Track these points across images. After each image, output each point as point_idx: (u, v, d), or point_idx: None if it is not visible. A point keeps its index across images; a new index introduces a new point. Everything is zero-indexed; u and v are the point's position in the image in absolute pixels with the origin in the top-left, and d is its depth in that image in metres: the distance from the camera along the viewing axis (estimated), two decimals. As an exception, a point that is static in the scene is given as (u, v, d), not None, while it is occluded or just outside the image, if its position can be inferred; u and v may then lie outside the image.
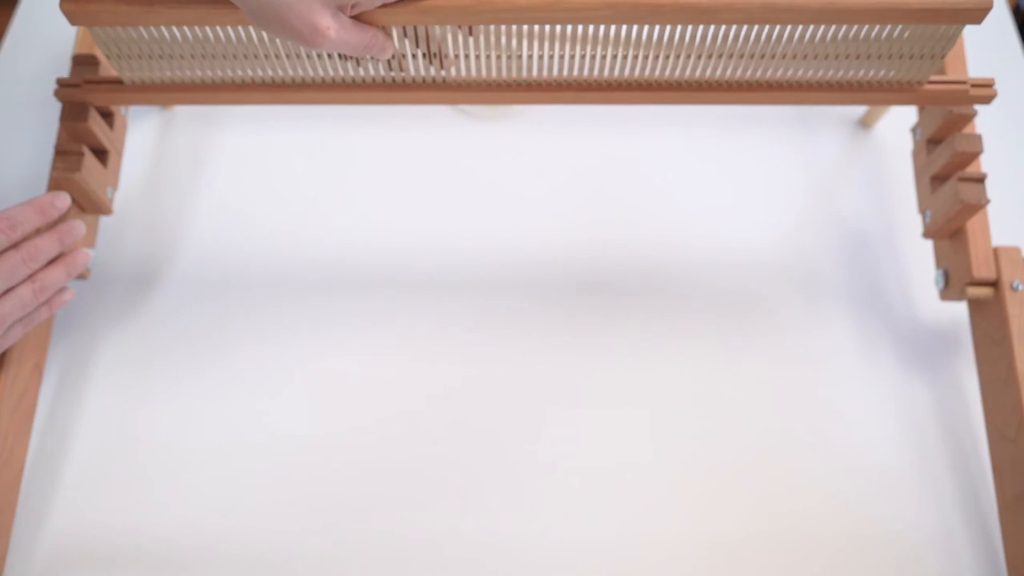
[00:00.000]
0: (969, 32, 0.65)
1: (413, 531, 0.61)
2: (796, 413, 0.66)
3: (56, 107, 0.68)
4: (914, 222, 0.72)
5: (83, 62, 0.60)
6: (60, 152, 0.60)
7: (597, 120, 0.78)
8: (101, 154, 0.63)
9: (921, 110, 0.68)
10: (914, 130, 0.68)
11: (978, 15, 0.51)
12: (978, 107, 0.63)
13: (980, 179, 0.61)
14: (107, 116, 0.64)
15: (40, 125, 0.75)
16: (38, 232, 0.55)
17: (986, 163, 0.64)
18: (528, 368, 0.67)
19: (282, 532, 0.61)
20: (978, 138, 0.62)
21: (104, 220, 0.70)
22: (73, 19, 0.51)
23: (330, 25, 0.46)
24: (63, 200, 0.56)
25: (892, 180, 0.76)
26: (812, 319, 0.70)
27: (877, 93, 0.60)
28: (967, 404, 0.66)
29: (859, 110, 0.78)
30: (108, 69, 0.63)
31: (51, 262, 0.56)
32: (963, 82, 0.60)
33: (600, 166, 0.76)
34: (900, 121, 0.75)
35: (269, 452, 0.63)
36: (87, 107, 0.60)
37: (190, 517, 0.61)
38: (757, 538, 0.61)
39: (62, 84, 0.60)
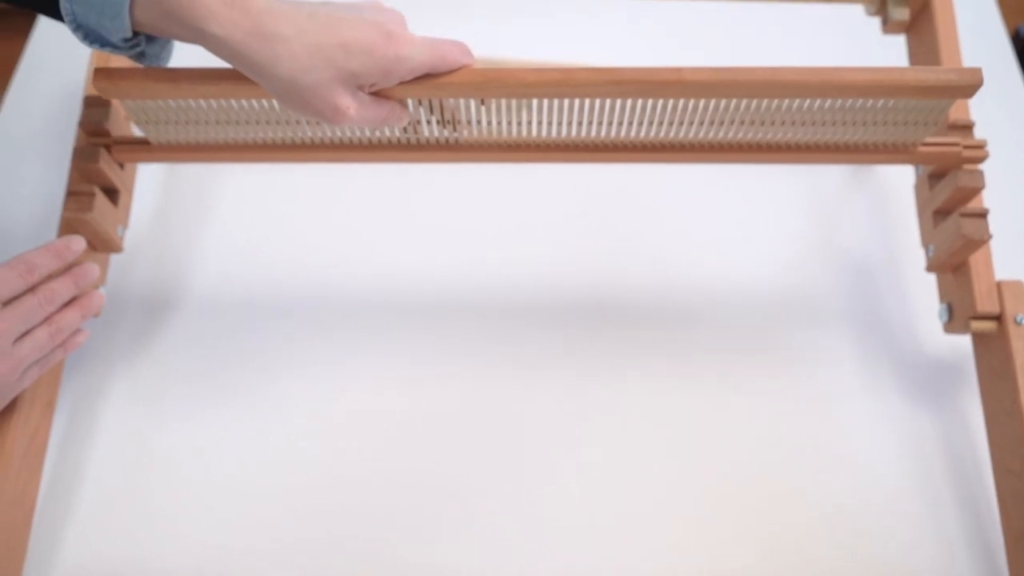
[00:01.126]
0: (969, 62, 0.66)
1: (424, 559, 0.61)
2: (799, 446, 0.66)
3: (68, 139, 0.69)
4: (917, 252, 0.73)
5: (95, 103, 0.61)
6: (72, 193, 0.60)
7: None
8: (112, 193, 0.64)
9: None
10: (916, 165, 0.68)
11: (968, 91, 0.53)
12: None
13: (982, 214, 0.62)
14: (118, 156, 0.64)
15: (51, 157, 0.76)
16: (52, 275, 0.56)
17: (988, 197, 0.64)
18: (532, 398, 0.67)
19: (295, 567, 0.61)
20: (980, 174, 0.62)
21: (113, 255, 0.71)
22: (105, 94, 0.53)
23: (350, 104, 0.49)
24: (78, 243, 0.57)
25: (895, 211, 0.76)
26: (814, 351, 0.70)
27: (872, 154, 0.62)
28: (972, 437, 0.66)
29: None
30: (120, 109, 0.64)
31: (66, 304, 0.56)
32: (956, 144, 0.62)
33: (604, 197, 0.77)
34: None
35: (280, 485, 0.64)
36: (98, 148, 0.61)
37: (201, 552, 0.61)
38: (763, 570, 0.61)
39: (88, 133, 0.61)
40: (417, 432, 0.66)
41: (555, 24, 0.84)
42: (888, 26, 0.72)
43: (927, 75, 0.53)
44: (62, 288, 0.55)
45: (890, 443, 0.66)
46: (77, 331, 0.58)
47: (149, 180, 0.76)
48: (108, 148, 0.62)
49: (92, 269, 0.58)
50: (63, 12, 0.47)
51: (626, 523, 0.63)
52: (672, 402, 0.67)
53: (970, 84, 0.53)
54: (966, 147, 0.62)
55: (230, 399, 0.67)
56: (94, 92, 0.63)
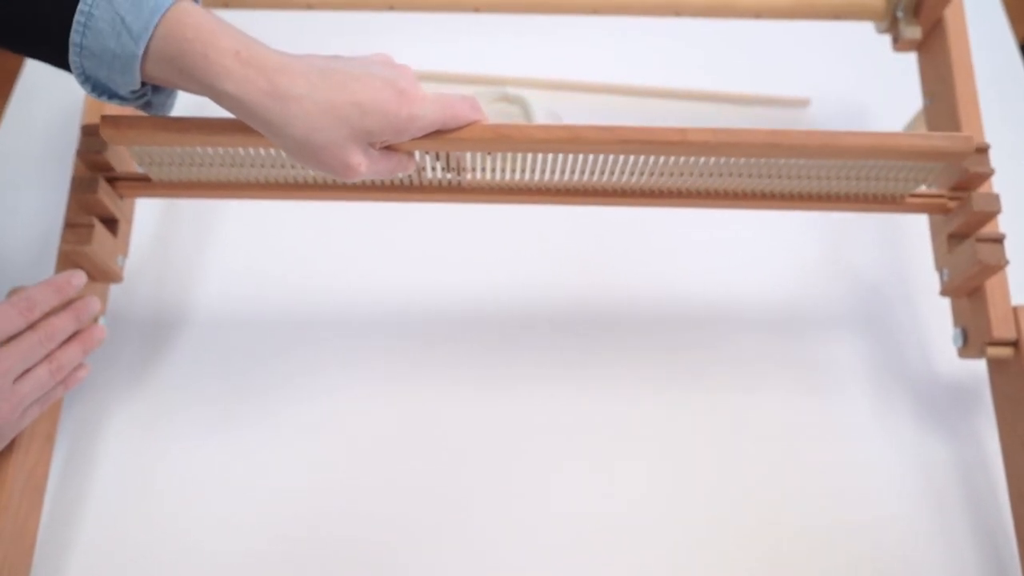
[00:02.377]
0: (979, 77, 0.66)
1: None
2: (811, 471, 0.65)
3: (66, 158, 0.68)
4: (930, 273, 0.71)
5: (92, 132, 0.60)
6: (70, 225, 0.59)
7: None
8: (111, 223, 0.63)
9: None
10: (930, 186, 0.67)
11: (960, 157, 0.55)
12: (995, 164, 0.62)
13: (999, 239, 0.61)
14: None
15: (48, 181, 0.75)
16: (52, 311, 0.55)
17: (1003, 221, 0.63)
18: (533, 414, 0.67)
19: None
20: (996, 197, 0.61)
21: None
22: (112, 141, 0.53)
23: (361, 161, 0.49)
24: (79, 278, 0.56)
25: (906, 232, 0.75)
26: (824, 374, 0.69)
27: (863, 204, 0.63)
28: (988, 463, 0.65)
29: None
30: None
31: (67, 340, 0.56)
32: (941, 196, 0.63)
33: (607, 214, 0.75)
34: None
35: (284, 514, 0.63)
36: (97, 178, 0.60)
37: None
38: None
39: (87, 165, 0.60)
40: (423, 454, 0.65)
41: (553, 43, 0.83)
42: (899, 44, 0.71)
43: (922, 141, 0.54)
44: (63, 324, 0.55)
45: (904, 467, 0.65)
46: (79, 366, 0.57)
47: (148, 207, 0.75)
48: (109, 181, 0.61)
49: (93, 303, 0.57)
50: (72, 66, 0.46)
51: (626, 539, 0.62)
52: (678, 423, 0.67)
53: (963, 151, 0.54)
54: (950, 198, 0.63)
55: (231, 426, 0.66)
56: (92, 120, 0.62)
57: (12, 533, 0.56)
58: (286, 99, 0.46)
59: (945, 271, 0.65)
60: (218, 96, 0.46)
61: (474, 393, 0.68)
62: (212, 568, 0.61)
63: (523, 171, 0.59)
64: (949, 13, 0.68)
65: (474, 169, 0.59)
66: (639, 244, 0.75)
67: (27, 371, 0.53)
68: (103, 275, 0.63)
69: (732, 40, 0.84)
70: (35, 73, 0.83)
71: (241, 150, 0.56)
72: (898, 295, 0.72)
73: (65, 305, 0.56)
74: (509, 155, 0.57)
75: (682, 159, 0.56)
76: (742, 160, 0.56)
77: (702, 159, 0.56)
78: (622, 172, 0.58)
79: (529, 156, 0.57)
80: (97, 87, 0.47)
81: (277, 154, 0.57)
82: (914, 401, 0.68)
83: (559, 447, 0.66)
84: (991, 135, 0.64)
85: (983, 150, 0.61)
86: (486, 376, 0.68)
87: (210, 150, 0.56)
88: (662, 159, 0.56)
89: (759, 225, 0.75)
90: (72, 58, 0.46)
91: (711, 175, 0.59)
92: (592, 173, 0.59)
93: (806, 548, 0.62)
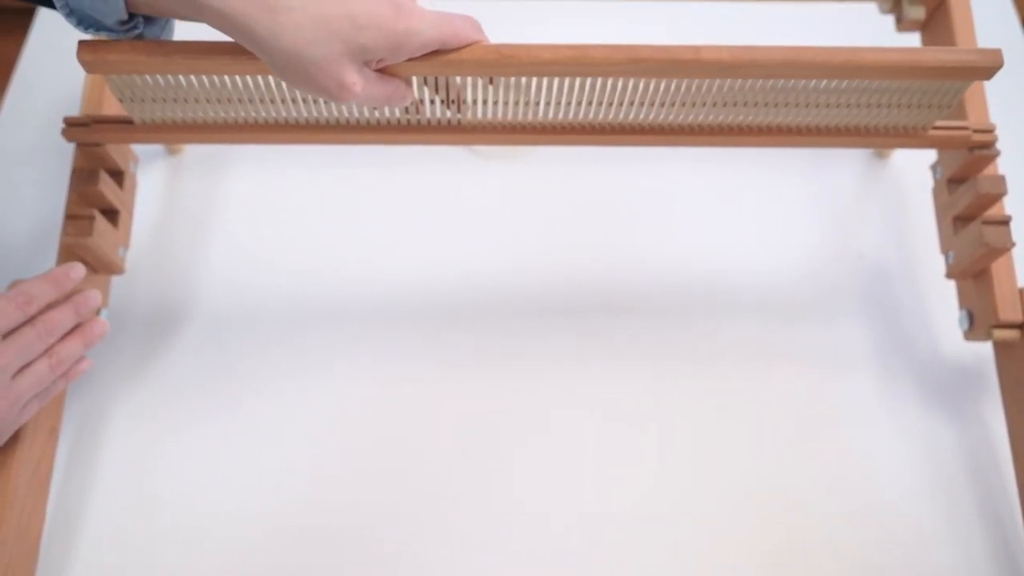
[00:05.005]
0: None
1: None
2: (816, 456, 0.65)
3: (65, 149, 0.67)
4: (934, 256, 0.71)
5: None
6: (71, 217, 0.59)
7: (608, 157, 0.76)
8: (111, 214, 0.62)
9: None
10: (934, 168, 0.67)
11: (988, 72, 0.52)
12: (1000, 145, 0.62)
13: (1005, 221, 0.60)
14: (117, 176, 0.63)
15: (48, 169, 0.75)
16: (51, 304, 0.55)
17: (1009, 203, 0.63)
18: (534, 410, 0.67)
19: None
20: (1002, 179, 0.61)
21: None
22: (91, 68, 0.50)
23: (356, 81, 0.46)
24: (78, 271, 0.55)
25: (910, 212, 0.75)
26: (829, 357, 0.69)
27: (883, 137, 0.61)
28: (995, 445, 0.65)
29: (875, 141, 0.77)
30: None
31: (68, 334, 0.55)
32: (965, 128, 0.61)
33: (612, 200, 0.75)
34: (915, 151, 0.74)
35: (290, 507, 0.63)
36: (97, 170, 0.59)
37: (210, 580, 0.60)
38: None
39: (70, 123, 0.59)
40: (424, 446, 0.65)
41: (556, 26, 0.82)
42: (903, 24, 0.70)
43: (947, 56, 0.52)
44: (62, 318, 0.54)
45: (911, 450, 0.65)
46: (80, 359, 0.57)
47: (148, 192, 0.74)
48: (87, 126, 0.59)
49: (93, 296, 0.56)
50: None
51: (630, 530, 0.62)
52: (683, 408, 0.66)
53: (990, 66, 0.52)
54: (975, 131, 0.61)
55: (236, 419, 0.66)
56: (92, 99, 0.62)
57: (18, 528, 0.56)
58: (275, 10, 0.44)
59: (951, 254, 0.65)
60: (202, 12, 0.44)
61: (475, 386, 0.67)
62: (218, 560, 0.61)
63: (526, 104, 0.56)
64: (953, -7, 0.67)
65: (475, 102, 0.56)
66: (640, 228, 0.74)
67: (26, 366, 0.52)
68: (105, 267, 0.63)
69: (736, 23, 0.83)
70: (32, 64, 0.82)
71: (229, 81, 0.53)
72: (903, 277, 0.72)
73: (65, 298, 0.55)
74: (512, 86, 0.54)
75: (695, 86, 0.54)
76: (757, 86, 0.54)
77: (716, 86, 0.54)
78: (631, 103, 0.56)
79: (532, 87, 0.54)
80: (83, 19, 0.46)
81: (269, 87, 0.54)
82: (920, 384, 0.67)
83: (560, 436, 0.65)
84: (996, 116, 0.64)
85: (988, 131, 0.61)
86: (487, 369, 0.68)
87: (196, 81, 0.53)
88: (673, 86, 0.54)
89: (763, 206, 0.75)
90: None
91: (723, 104, 0.56)
92: (599, 105, 0.56)
93: (812, 533, 0.62)
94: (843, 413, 0.67)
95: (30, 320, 0.53)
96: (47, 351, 0.53)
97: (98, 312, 0.60)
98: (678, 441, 0.65)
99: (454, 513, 0.63)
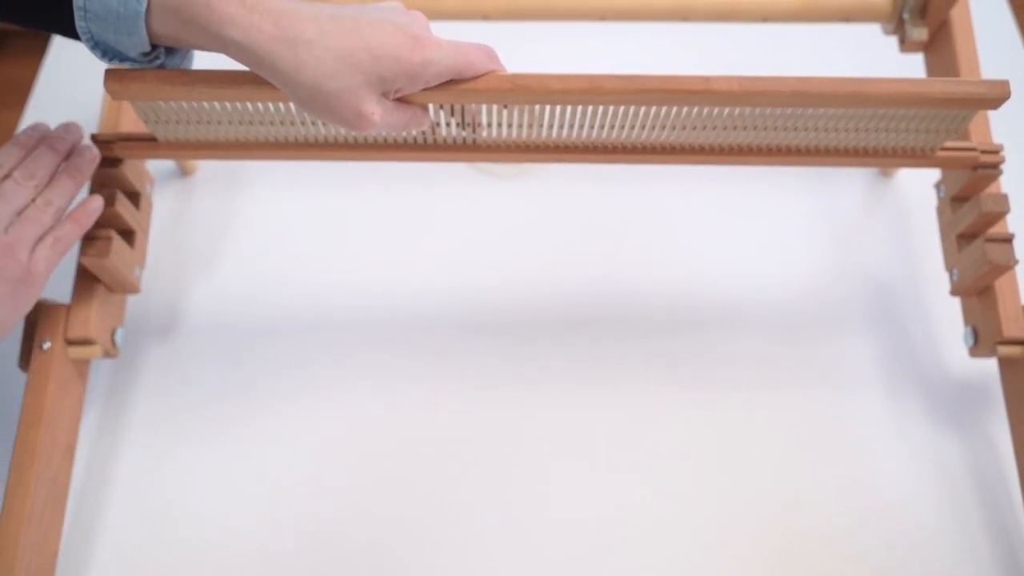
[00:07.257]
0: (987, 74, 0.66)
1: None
2: (822, 471, 0.65)
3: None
4: (939, 272, 0.72)
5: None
6: (89, 237, 0.60)
7: (615, 173, 0.78)
8: (128, 235, 0.63)
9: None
10: (938, 187, 0.68)
11: (995, 103, 0.53)
12: (1003, 165, 0.62)
13: (1008, 239, 0.61)
14: (133, 197, 0.64)
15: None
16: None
17: (1012, 221, 0.64)
18: (537, 420, 0.67)
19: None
20: (1004, 198, 0.62)
21: (130, 293, 0.70)
22: (117, 96, 0.51)
23: (375, 111, 0.47)
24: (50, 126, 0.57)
25: (915, 229, 0.75)
26: (834, 371, 0.69)
27: (891, 158, 0.62)
28: (1000, 461, 0.65)
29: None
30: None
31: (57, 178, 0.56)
32: (973, 148, 0.61)
33: (619, 218, 0.76)
34: (920, 170, 0.75)
35: (305, 520, 0.63)
36: (114, 191, 0.60)
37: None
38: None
39: (96, 140, 0.60)
40: (430, 456, 0.66)
41: (560, 49, 0.83)
42: (906, 45, 0.71)
43: (955, 87, 0.52)
44: (41, 157, 0.54)
45: (914, 467, 0.65)
46: (87, 200, 0.57)
47: (162, 211, 0.75)
48: (113, 143, 0.61)
49: (72, 128, 0.56)
50: (79, 31, 0.46)
51: (633, 541, 0.62)
52: (686, 424, 0.67)
53: (997, 97, 0.53)
54: (983, 152, 0.62)
55: (250, 433, 0.67)
56: (109, 118, 0.63)
57: (36, 543, 0.57)
58: (295, 44, 0.45)
59: (955, 271, 0.65)
60: (226, 46, 0.45)
61: (480, 394, 0.68)
62: (233, 573, 0.62)
63: (540, 127, 0.58)
64: (955, 14, 0.68)
65: (489, 125, 0.58)
66: (646, 246, 0.75)
67: (17, 214, 0.53)
68: (121, 287, 0.64)
69: (739, 45, 0.84)
70: (48, 87, 0.84)
71: (250, 105, 0.55)
72: (908, 294, 0.73)
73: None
74: (526, 110, 0.55)
75: (705, 112, 0.55)
76: (767, 111, 0.55)
77: (725, 112, 0.55)
78: (643, 126, 0.57)
79: (547, 111, 0.56)
80: (107, 51, 0.47)
81: (288, 110, 0.56)
82: (925, 400, 0.68)
83: (564, 448, 0.66)
84: (999, 136, 0.65)
85: (995, 151, 0.62)
86: (491, 378, 0.69)
87: (218, 105, 0.54)
88: (684, 111, 0.55)
89: (767, 223, 0.76)
90: (78, 23, 0.45)
91: (732, 128, 0.57)
92: (610, 127, 0.57)
93: (818, 547, 0.62)
94: (849, 429, 0.67)
95: (7, 175, 0.54)
96: (37, 196, 0.54)
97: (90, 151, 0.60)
98: (680, 456, 0.66)
99: (465, 523, 0.63)
